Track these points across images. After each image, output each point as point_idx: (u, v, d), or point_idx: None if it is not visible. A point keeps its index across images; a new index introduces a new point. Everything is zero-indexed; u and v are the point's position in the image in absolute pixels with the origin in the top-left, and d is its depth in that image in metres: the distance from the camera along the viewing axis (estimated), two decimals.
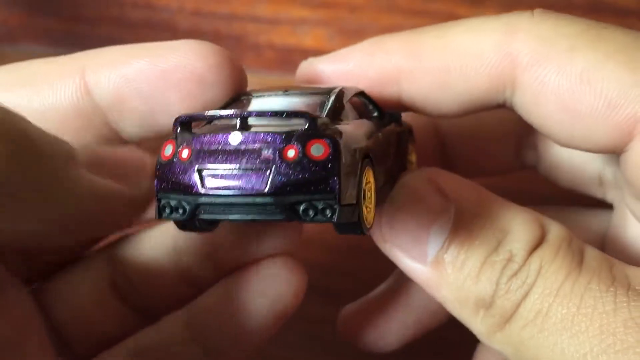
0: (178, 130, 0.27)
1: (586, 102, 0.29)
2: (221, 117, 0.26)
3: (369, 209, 0.27)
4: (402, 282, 0.40)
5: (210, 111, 0.27)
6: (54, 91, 0.31)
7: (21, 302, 0.32)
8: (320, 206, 0.24)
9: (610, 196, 0.37)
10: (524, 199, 0.32)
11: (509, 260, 0.28)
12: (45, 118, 0.30)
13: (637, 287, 0.26)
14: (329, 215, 0.24)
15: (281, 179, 0.24)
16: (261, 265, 0.36)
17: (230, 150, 0.25)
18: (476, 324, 0.29)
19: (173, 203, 0.26)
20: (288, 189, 0.24)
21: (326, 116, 0.27)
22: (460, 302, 0.30)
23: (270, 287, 0.35)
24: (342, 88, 0.31)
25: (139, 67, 0.30)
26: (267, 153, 0.24)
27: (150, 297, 0.37)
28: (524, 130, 0.39)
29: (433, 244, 0.30)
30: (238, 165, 0.25)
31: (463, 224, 0.29)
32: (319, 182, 0.24)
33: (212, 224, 0.29)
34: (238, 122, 0.26)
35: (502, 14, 0.32)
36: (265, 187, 0.24)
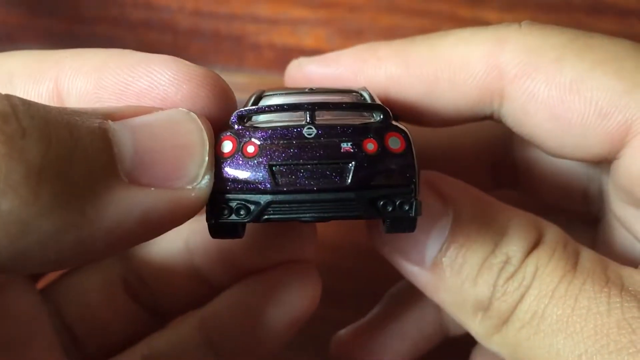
0: (236, 126, 0.25)
1: (577, 110, 0.29)
2: (289, 108, 0.25)
3: None
4: (395, 307, 0.40)
5: (272, 104, 0.25)
6: (28, 98, 0.27)
7: (27, 300, 0.31)
8: (398, 200, 0.24)
9: (595, 210, 0.37)
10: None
11: (506, 262, 0.28)
12: None
13: (630, 288, 0.26)
14: (406, 209, 0.24)
15: (363, 173, 0.23)
16: (277, 271, 0.36)
17: (304, 144, 0.24)
18: (474, 326, 0.30)
19: (234, 204, 0.24)
20: (370, 183, 0.23)
21: None
22: (458, 304, 0.30)
23: (286, 295, 0.35)
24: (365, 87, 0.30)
25: (109, 86, 0.27)
26: (346, 146, 0.23)
27: (162, 296, 0.37)
28: (500, 150, 0.39)
29: (432, 247, 0.30)
30: (316, 159, 0.23)
31: (461, 227, 0.30)
32: (398, 175, 0.24)
33: (244, 229, 0.26)
34: (307, 115, 0.24)
35: (491, 26, 0.32)
36: (347, 181, 0.23)
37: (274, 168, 0.23)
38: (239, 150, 0.24)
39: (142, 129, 0.23)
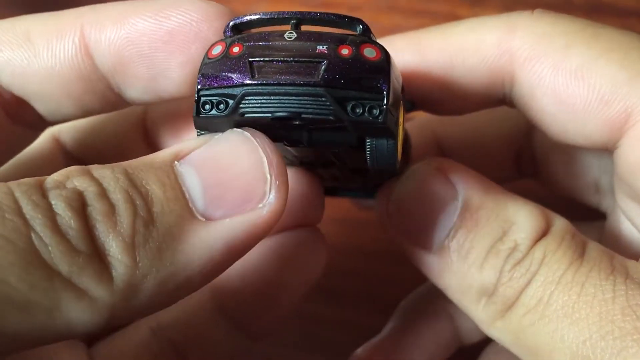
0: (229, 33, 0.26)
1: (580, 96, 0.29)
2: (278, 18, 0.26)
3: (399, 145, 0.27)
4: (410, 320, 0.40)
5: (264, 13, 0.27)
6: (52, 53, 0.29)
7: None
8: (368, 104, 0.24)
9: (605, 204, 0.37)
10: None
11: (514, 249, 0.29)
12: (46, 83, 0.30)
13: (634, 277, 0.27)
14: (376, 114, 0.24)
15: (333, 72, 0.24)
16: (287, 235, 0.36)
17: (284, 45, 0.25)
18: (477, 312, 0.30)
19: (215, 99, 0.25)
20: (339, 82, 0.24)
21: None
22: (462, 289, 0.30)
23: (297, 257, 0.35)
24: None
25: (142, 28, 0.28)
26: (321, 48, 0.25)
27: None
28: (522, 140, 0.40)
29: (439, 232, 0.30)
30: (292, 57, 0.24)
31: (470, 213, 0.30)
32: (370, 80, 0.24)
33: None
34: (294, 22, 0.26)
35: (503, 14, 0.33)
36: (318, 77, 0.24)
37: (253, 63, 0.25)
38: (226, 51, 0.25)
39: (204, 165, 0.25)
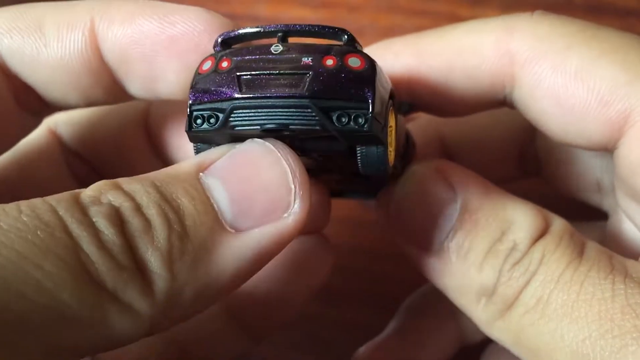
0: (218, 48, 0.27)
1: (579, 97, 0.29)
2: (265, 31, 0.27)
3: (390, 151, 0.27)
4: (413, 320, 0.40)
5: (251, 27, 0.27)
6: (62, 44, 0.30)
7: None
8: (353, 114, 0.25)
9: (607, 203, 0.37)
10: None
11: (513, 249, 0.29)
12: (54, 73, 0.30)
13: (634, 275, 0.27)
14: (361, 123, 0.24)
15: (318, 83, 0.24)
16: (299, 241, 0.36)
17: (271, 58, 0.25)
18: (477, 312, 0.30)
19: (206, 113, 0.25)
20: (324, 93, 0.24)
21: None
22: (462, 290, 0.30)
23: (304, 264, 0.36)
24: None
25: (147, 30, 0.29)
26: (306, 60, 0.25)
27: None
28: (526, 140, 0.40)
29: (439, 233, 0.30)
30: (278, 70, 0.25)
31: (469, 214, 0.30)
32: (355, 89, 0.25)
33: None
34: (280, 35, 0.26)
35: (502, 16, 0.33)
36: (303, 90, 0.24)
37: (241, 77, 0.25)
38: (216, 66, 0.26)
39: (230, 177, 0.25)
